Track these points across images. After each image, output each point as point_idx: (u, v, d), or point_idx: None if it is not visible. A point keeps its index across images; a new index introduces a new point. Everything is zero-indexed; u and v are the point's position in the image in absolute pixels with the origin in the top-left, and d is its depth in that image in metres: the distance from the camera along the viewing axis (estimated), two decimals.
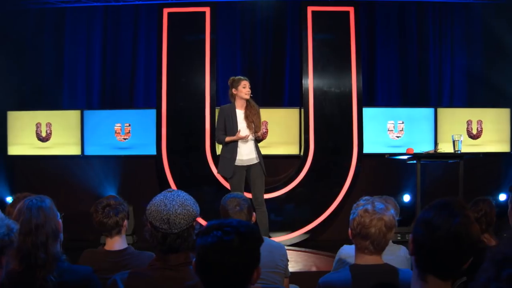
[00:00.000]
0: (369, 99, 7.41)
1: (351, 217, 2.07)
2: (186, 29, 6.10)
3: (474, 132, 6.61)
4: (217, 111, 6.15)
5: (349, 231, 2.09)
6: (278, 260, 2.70)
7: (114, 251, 2.80)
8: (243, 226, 1.42)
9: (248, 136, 4.87)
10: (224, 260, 1.37)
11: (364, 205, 2.05)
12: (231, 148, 4.92)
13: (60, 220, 2.28)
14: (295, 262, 4.88)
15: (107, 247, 2.83)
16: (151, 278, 1.89)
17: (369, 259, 2.05)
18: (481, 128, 6.61)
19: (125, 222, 2.85)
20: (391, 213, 2.04)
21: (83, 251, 2.88)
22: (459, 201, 1.45)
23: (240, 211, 2.76)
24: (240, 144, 4.92)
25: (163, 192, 1.96)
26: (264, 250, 2.63)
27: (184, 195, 1.94)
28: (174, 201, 1.89)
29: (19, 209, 2.18)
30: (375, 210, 2.02)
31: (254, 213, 2.90)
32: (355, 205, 2.10)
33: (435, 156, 5.46)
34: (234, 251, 1.38)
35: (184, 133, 6.04)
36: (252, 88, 5.05)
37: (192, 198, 1.98)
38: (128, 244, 2.90)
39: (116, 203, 2.84)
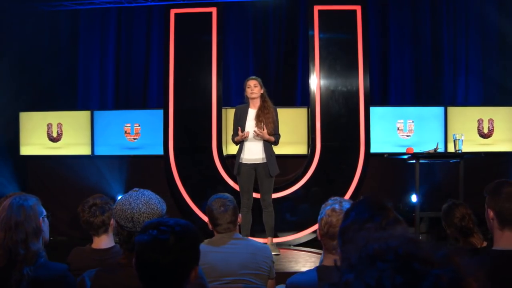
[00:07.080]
0: (382, 98, 7.33)
1: (319, 217, 2.06)
2: (193, 29, 6.12)
3: (485, 131, 6.42)
4: (223, 111, 6.18)
5: (317, 231, 2.08)
6: (261, 262, 2.69)
7: (101, 249, 2.85)
8: (179, 225, 1.42)
9: (248, 133, 4.88)
10: (159, 258, 1.38)
11: (332, 205, 2.03)
12: (240, 146, 5.02)
13: (46, 220, 2.33)
14: (295, 262, 4.85)
15: (94, 246, 2.88)
16: (116, 276, 1.92)
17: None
18: (493, 127, 6.41)
19: (112, 221, 2.90)
20: None
21: (72, 249, 2.94)
22: (381, 199, 1.40)
23: (225, 212, 2.75)
24: (246, 143, 4.96)
25: (129, 192, 1.99)
26: (247, 252, 2.68)
27: (149, 194, 1.96)
28: (138, 200, 1.91)
29: (3, 207, 2.25)
30: (342, 209, 2.00)
31: (240, 215, 2.90)
32: (323, 205, 2.09)
33: (435, 156, 5.36)
34: (169, 250, 1.39)
35: (191, 133, 6.05)
36: (265, 87, 5.11)
37: (158, 197, 1.99)
38: None
39: (102, 202, 2.89)
